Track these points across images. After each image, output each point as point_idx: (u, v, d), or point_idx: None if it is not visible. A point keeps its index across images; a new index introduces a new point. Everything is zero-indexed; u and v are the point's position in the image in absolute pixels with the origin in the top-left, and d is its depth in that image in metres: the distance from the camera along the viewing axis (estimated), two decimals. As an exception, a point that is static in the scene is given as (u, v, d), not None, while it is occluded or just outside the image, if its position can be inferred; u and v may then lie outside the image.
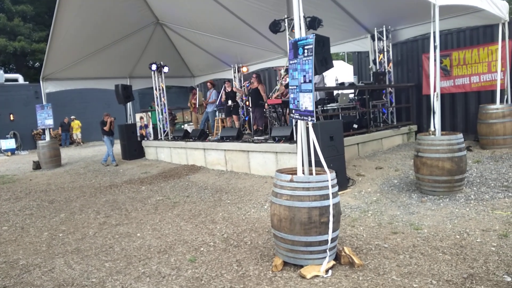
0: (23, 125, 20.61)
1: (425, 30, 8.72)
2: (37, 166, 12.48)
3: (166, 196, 7.17)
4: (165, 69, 11.87)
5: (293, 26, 7.19)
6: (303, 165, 3.81)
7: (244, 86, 12.88)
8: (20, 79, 22.68)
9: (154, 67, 11.60)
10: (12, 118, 20.94)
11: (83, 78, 13.56)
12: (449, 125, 8.83)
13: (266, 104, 10.03)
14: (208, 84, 12.16)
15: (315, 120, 3.57)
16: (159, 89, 11.98)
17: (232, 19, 10.52)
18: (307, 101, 3.62)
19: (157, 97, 11.98)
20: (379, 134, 8.29)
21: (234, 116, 10.89)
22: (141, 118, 12.50)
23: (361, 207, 5.31)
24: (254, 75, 10.64)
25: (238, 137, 9.01)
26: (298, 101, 3.79)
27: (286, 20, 7.14)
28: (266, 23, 10.35)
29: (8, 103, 20.80)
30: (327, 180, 3.47)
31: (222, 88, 11.06)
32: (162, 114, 12.02)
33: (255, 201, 6.22)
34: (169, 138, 11.65)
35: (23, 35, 23.09)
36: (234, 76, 13.67)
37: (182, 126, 14.24)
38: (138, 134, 12.55)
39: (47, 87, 12.87)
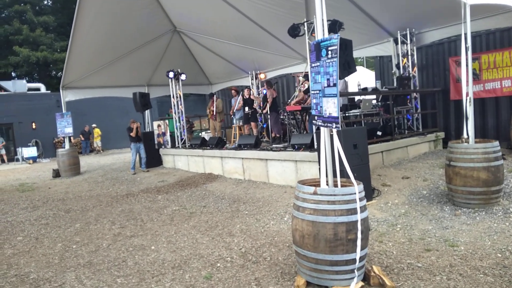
0: (45, 133, 20.99)
1: (452, 33, 8.33)
2: (56, 174, 12.56)
3: (183, 206, 6.97)
4: (183, 77, 11.79)
5: (312, 30, 6.96)
6: (326, 176, 3.52)
7: (261, 92, 12.67)
8: (42, 88, 23.19)
9: (171, 74, 11.53)
10: (34, 126, 21.37)
11: (102, 87, 13.63)
12: (479, 132, 8.33)
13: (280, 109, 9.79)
14: (233, 91, 11.97)
15: (340, 127, 3.29)
16: (177, 97, 11.89)
17: (249, 25, 10.36)
18: (331, 107, 3.34)
19: (174, 105, 11.89)
20: (404, 141, 7.88)
21: (252, 124, 10.67)
22: (159, 126, 12.43)
23: (388, 220, 4.95)
24: (265, 82, 10.42)
25: (256, 145, 8.77)
26: (321, 107, 3.52)
27: (305, 23, 6.89)
28: (284, 28, 10.13)
29: (30, 111, 21.26)
30: (355, 193, 3.17)
31: (240, 95, 10.87)
32: (179, 122, 11.91)
33: (274, 212, 5.94)
34: (187, 146, 11.51)
35: (45, 45, 23.64)
36: (252, 83, 13.50)
37: (200, 134, 14.11)
38: (156, 142, 12.46)
39: (66, 96, 12.98)
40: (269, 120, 9.74)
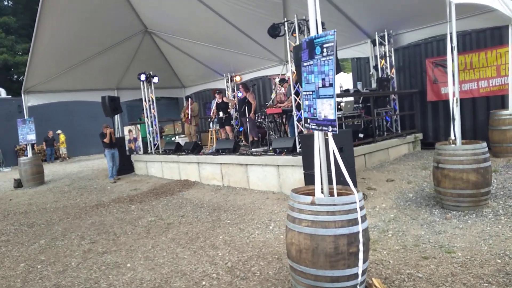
0: (5, 140, 19.67)
1: (428, 34, 8.37)
2: (18, 184, 11.69)
3: (159, 216, 6.53)
4: (155, 80, 11.28)
5: (293, 30, 6.74)
6: (322, 183, 3.26)
7: (235, 95, 12.37)
8: (3, 93, 21.78)
9: (143, 77, 11.01)
10: (-7, 133, 20.00)
11: (68, 91, 12.90)
12: (456, 132, 8.40)
13: (260, 112, 9.54)
14: (216, 94, 11.50)
15: (337, 131, 3.03)
16: (149, 101, 11.37)
17: (225, 26, 10.04)
18: (327, 109, 3.08)
19: (146, 109, 11.36)
20: (386, 143, 7.80)
21: (227, 128, 10.35)
22: (130, 131, 11.84)
23: (378, 226, 4.76)
24: (241, 85, 10.15)
25: (235, 150, 8.44)
26: (314, 109, 3.25)
27: (286, 23, 6.66)
28: (261, 29, 9.89)
29: (-11, 118, 19.90)
30: (355, 202, 2.92)
31: (214, 101, 10.51)
32: (152, 127, 11.39)
33: (258, 220, 5.63)
34: (160, 152, 11.01)
35: (6, 47, 22.28)
36: (227, 86, 13.17)
37: (173, 139, 13.60)
38: (127, 148, 11.86)
39: (29, 101, 12.17)
40: (247, 124, 9.46)
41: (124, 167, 11.69)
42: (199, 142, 11.58)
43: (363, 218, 2.96)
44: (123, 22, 10.90)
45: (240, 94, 10.83)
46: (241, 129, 10.90)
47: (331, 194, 3.35)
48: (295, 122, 6.85)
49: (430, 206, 5.23)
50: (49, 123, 21.36)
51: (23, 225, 6.80)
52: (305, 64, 3.36)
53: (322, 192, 3.28)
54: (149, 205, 7.43)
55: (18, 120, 12.13)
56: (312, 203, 2.92)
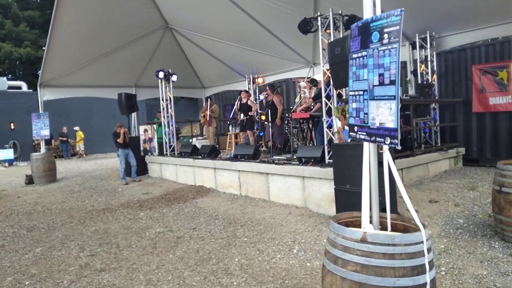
0: (24, 134, 19.58)
1: (477, 37, 7.50)
2: (29, 180, 11.31)
3: (168, 227, 5.87)
4: (174, 78, 10.71)
5: (327, 25, 6.01)
6: (371, 210, 2.52)
7: (257, 98, 11.70)
8: (24, 86, 21.85)
9: (161, 74, 10.45)
10: (12, 127, 19.98)
11: (85, 86, 12.50)
12: (505, 149, 7.46)
13: (286, 117, 8.81)
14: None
15: (398, 144, 2.28)
16: (166, 100, 10.81)
17: (249, 23, 9.40)
18: (384, 114, 2.33)
19: (163, 108, 10.80)
20: (425, 157, 6.94)
21: (248, 132, 9.65)
22: (145, 131, 11.31)
23: (426, 259, 3.93)
24: (268, 86, 9.45)
25: (255, 156, 7.73)
26: (366, 114, 2.51)
27: (319, 18, 5.92)
28: (288, 27, 9.20)
29: (9, 111, 19.89)
30: (422, 241, 2.15)
31: (238, 99, 9.84)
32: (168, 127, 10.81)
33: (280, 240, 4.89)
34: (175, 154, 10.41)
35: (30, 41, 22.34)
36: (249, 88, 12.49)
37: (190, 141, 13.02)
38: (142, 149, 11.33)
39: (44, 95, 11.82)
40: (274, 128, 8.72)
41: (138, 168, 11.12)
42: (217, 146, 10.95)
43: (431, 264, 2.19)
44: (143, 17, 10.42)
45: (262, 97, 10.16)
46: (261, 134, 10.21)
47: (382, 225, 2.59)
48: (325, 129, 6.09)
49: (487, 237, 4.37)
50: (68, 119, 21.23)
51: (23, 228, 6.26)
52: (354, 56, 2.62)
53: (371, 223, 2.53)
54: (159, 213, 6.79)
55: (33, 115, 11.77)
56: (363, 240, 2.17)
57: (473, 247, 4.13)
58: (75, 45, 10.41)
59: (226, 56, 11.94)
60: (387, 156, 2.42)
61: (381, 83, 2.34)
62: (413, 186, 6.36)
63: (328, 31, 5.84)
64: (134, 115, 13.08)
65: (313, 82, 7.98)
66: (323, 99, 6.01)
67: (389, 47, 2.27)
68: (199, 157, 9.19)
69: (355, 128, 2.66)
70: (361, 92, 2.55)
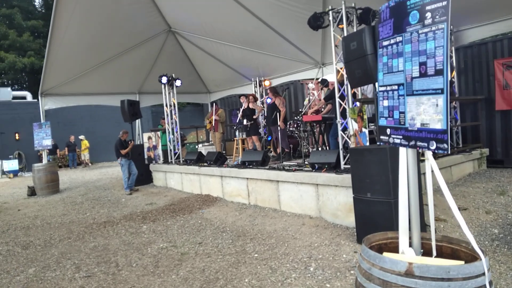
0: (29, 144, 19.28)
1: (499, 30, 6.97)
2: (32, 192, 10.98)
3: (172, 242, 5.43)
4: (177, 83, 10.33)
5: (340, 20, 5.56)
6: (411, 231, 2.05)
7: (264, 101, 11.26)
8: (29, 96, 21.70)
9: (164, 79, 10.07)
10: (17, 137, 19.79)
11: (87, 94, 12.19)
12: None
13: (296, 119, 8.36)
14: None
15: (448, 148, 1.82)
16: (170, 106, 10.42)
17: (254, 24, 8.99)
18: (429, 112, 1.88)
19: (167, 115, 10.41)
20: (448, 160, 6.42)
21: (253, 137, 9.20)
22: (149, 138, 10.94)
23: (464, 278, 3.44)
24: (269, 89, 9.03)
25: (264, 163, 7.28)
26: (402, 113, 2.05)
27: (331, 12, 5.48)
28: (295, 27, 8.77)
29: (14, 121, 19.73)
30: (483, 273, 1.68)
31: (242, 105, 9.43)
32: (173, 134, 10.42)
33: (294, 257, 4.42)
34: (181, 162, 9.99)
35: (34, 50, 22.23)
36: (255, 91, 12.06)
37: (196, 147, 12.61)
38: (146, 157, 10.95)
39: (46, 104, 11.56)
40: (277, 133, 8.31)
41: (142, 177, 10.77)
42: (224, 152, 10.53)
43: (497, 302, 1.71)
44: (145, 21, 10.08)
45: (269, 100, 9.73)
46: (269, 138, 9.76)
47: (424, 249, 2.12)
48: (339, 132, 5.62)
49: (531, 250, 3.86)
50: (74, 128, 21.04)
51: (18, 245, 5.87)
52: (385, 43, 2.17)
53: (410, 246, 2.06)
54: (163, 226, 6.36)
55: (34, 124, 11.47)
56: (409, 274, 1.70)
57: (516, 263, 3.62)
58: (75, 52, 10.09)
59: (231, 59, 11.54)
60: (432, 165, 1.96)
61: (423, 74, 1.89)
62: (437, 192, 5.81)
63: (340, 26, 5.39)
64: (138, 122, 12.75)
65: (324, 83, 7.53)
66: (337, 99, 5.55)
67: (433, 28, 1.82)
68: (205, 164, 8.77)
69: (388, 131, 2.20)
70: (395, 87, 2.09)
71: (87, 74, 11.11)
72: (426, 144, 1.90)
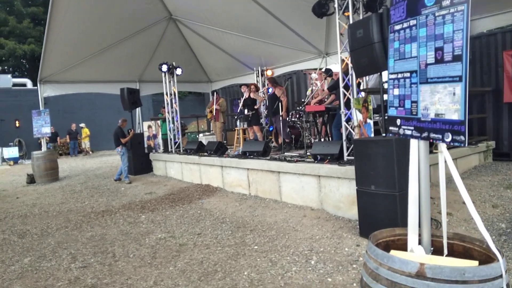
0: (29, 132, 19.08)
1: (508, 20, 6.74)
2: (31, 179, 10.90)
3: (171, 232, 5.34)
4: (178, 71, 10.17)
5: (345, 7, 5.38)
6: (420, 228, 1.93)
7: (265, 91, 11.10)
8: (29, 83, 21.53)
9: (164, 68, 9.91)
10: (18, 124, 19.67)
11: (87, 81, 12.01)
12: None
13: (298, 110, 8.22)
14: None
15: (465, 141, 1.69)
16: (171, 94, 10.27)
17: (257, 12, 8.80)
18: (445, 101, 1.74)
19: (167, 103, 10.27)
20: (454, 152, 6.26)
21: (254, 128, 9.08)
22: (149, 127, 10.82)
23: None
24: (268, 79, 8.88)
25: (265, 153, 7.16)
26: (415, 102, 1.91)
27: (336, -1, 5.29)
28: (299, 16, 8.56)
29: (14, 108, 19.59)
30: (501, 276, 1.56)
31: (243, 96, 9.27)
32: (173, 123, 10.28)
33: (295, 249, 4.32)
34: (181, 151, 9.88)
35: (34, 37, 21.98)
36: (257, 81, 11.88)
37: (197, 137, 12.49)
38: (146, 146, 10.83)
39: (45, 91, 11.39)
40: (277, 123, 8.18)
41: (142, 166, 10.70)
42: (224, 142, 10.40)
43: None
44: (145, 7, 9.86)
45: (270, 90, 9.59)
46: (271, 129, 9.63)
47: (434, 247, 2.00)
48: (343, 123, 5.47)
49: (539, 246, 3.75)
50: (74, 116, 20.92)
51: (15, 234, 5.79)
52: (397, 27, 2.03)
53: (420, 244, 1.95)
54: (161, 216, 6.28)
55: (33, 112, 11.35)
56: (421, 275, 1.58)
57: (525, 261, 3.51)
58: (74, 39, 9.91)
59: (233, 48, 11.33)
60: (446, 158, 1.83)
61: (439, 60, 1.75)
62: (437, 186, 5.73)
63: (346, 13, 5.21)
64: (138, 111, 12.61)
65: (328, 72, 7.36)
66: (341, 89, 5.39)
67: (451, 10, 1.67)
68: (205, 154, 8.66)
69: (398, 121, 2.07)
70: (407, 74, 1.95)
71: (86, 62, 10.93)
72: (440, 136, 1.77)
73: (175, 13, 10.66)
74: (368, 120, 4.80)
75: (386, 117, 2.76)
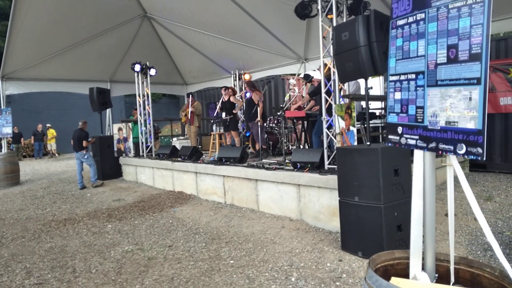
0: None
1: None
2: (-12, 183, 10.11)
3: (139, 244, 4.93)
4: (152, 72, 9.73)
5: (329, 10, 5.19)
6: (425, 252, 1.69)
7: (242, 95, 10.82)
8: (-7, 81, 20.32)
9: (137, 67, 9.45)
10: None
11: (54, 80, 11.36)
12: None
13: (278, 116, 7.98)
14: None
15: (483, 153, 1.46)
16: (143, 96, 9.81)
17: (236, 14, 8.57)
18: (458, 107, 1.51)
19: (140, 105, 9.80)
20: (433, 163, 6.19)
21: (232, 132, 8.79)
22: (120, 129, 10.29)
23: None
24: (246, 83, 8.64)
25: (242, 160, 6.86)
26: (421, 108, 1.68)
27: (319, 1, 5.09)
28: (279, 19, 8.38)
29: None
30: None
31: (221, 98, 8.95)
32: (145, 126, 9.82)
33: (274, 264, 4.03)
34: (153, 156, 9.42)
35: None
36: (234, 85, 11.59)
37: (171, 141, 12.03)
38: (115, 149, 10.29)
39: (7, 88, 10.67)
40: (253, 128, 7.92)
41: (111, 170, 10.14)
42: (199, 147, 10.03)
43: None
44: (118, 3, 9.40)
45: (248, 94, 9.32)
46: (247, 134, 9.35)
47: (439, 272, 1.77)
48: (324, 130, 5.26)
49: (526, 262, 3.62)
50: (40, 116, 19.92)
51: (-38, 245, 5.21)
52: (401, 22, 1.79)
53: (423, 269, 1.70)
54: (129, 225, 5.84)
55: (-7, 110, 10.57)
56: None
57: None
58: (41, 33, 9.32)
59: (210, 50, 11.02)
60: (457, 172, 1.60)
61: (453, 60, 1.51)
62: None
63: (329, 16, 5.02)
64: (108, 112, 12.07)
65: (307, 78, 7.17)
66: (323, 95, 5.18)
67: (469, 1, 1.44)
68: (179, 159, 8.25)
69: (399, 129, 1.82)
70: (412, 76, 1.72)
71: (53, 58, 10.32)
72: (451, 148, 1.54)
73: (150, 11, 10.25)
74: (351, 128, 4.60)
75: (383, 124, 2.54)
